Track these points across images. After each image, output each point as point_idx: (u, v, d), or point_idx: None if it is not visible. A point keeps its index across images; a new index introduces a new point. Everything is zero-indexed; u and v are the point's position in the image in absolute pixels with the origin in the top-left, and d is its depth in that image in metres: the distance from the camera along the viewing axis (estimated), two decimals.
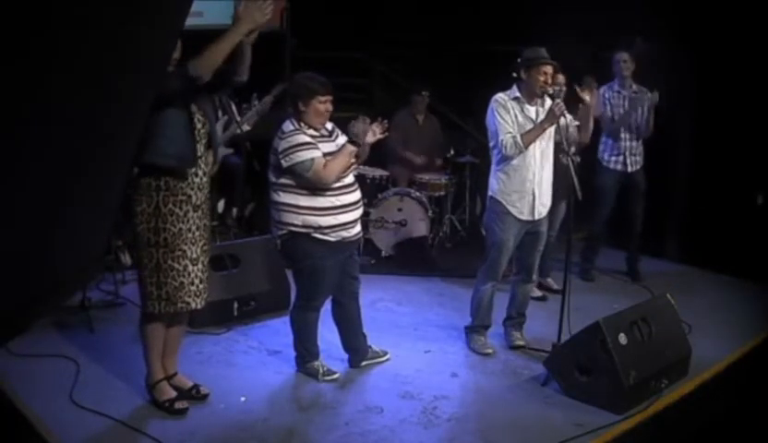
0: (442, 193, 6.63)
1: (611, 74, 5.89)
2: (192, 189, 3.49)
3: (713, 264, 6.08)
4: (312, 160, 3.78)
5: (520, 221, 4.39)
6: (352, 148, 3.90)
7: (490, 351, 4.56)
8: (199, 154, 3.49)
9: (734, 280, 5.91)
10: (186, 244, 3.50)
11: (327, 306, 4.20)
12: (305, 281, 4.02)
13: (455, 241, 6.80)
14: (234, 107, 5.85)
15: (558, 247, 5.44)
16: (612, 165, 5.88)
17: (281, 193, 3.88)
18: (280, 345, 4.47)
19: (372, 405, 3.86)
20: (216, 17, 7.03)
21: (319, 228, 3.86)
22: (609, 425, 3.67)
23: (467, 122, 7.56)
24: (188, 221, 3.50)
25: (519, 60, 4.39)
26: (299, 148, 3.80)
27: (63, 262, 2.29)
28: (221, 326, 4.70)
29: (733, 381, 4.33)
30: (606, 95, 5.85)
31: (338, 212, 3.90)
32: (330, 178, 3.83)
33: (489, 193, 4.50)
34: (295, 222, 3.86)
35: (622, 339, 3.81)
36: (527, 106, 4.38)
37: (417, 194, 6.42)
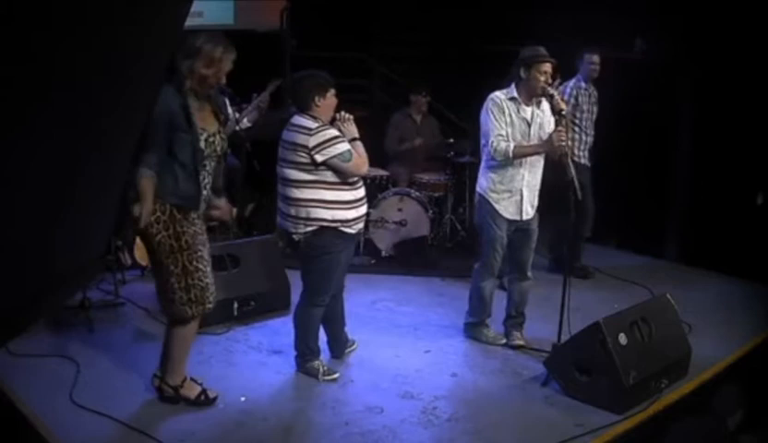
0: (442, 193, 6.63)
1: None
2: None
3: (713, 264, 6.08)
4: (349, 151, 3.88)
5: (507, 219, 4.45)
6: (359, 143, 4.00)
7: (504, 341, 4.63)
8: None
9: (734, 280, 5.91)
10: (202, 245, 3.57)
11: None
12: (319, 277, 4.02)
13: (455, 241, 6.80)
14: (228, 105, 5.85)
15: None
16: (584, 160, 5.91)
17: (305, 189, 3.88)
18: (280, 345, 4.47)
19: (372, 405, 3.86)
20: (216, 17, 7.03)
21: (346, 221, 3.93)
22: (609, 425, 3.67)
23: (467, 122, 7.56)
24: (195, 224, 3.56)
25: (518, 59, 4.40)
26: (334, 141, 3.86)
27: (63, 262, 2.29)
28: (221, 326, 4.70)
29: (733, 381, 4.33)
30: (574, 92, 5.83)
31: (358, 205, 4.00)
32: (364, 169, 3.96)
33: (479, 190, 4.53)
34: (326, 217, 3.89)
35: (622, 339, 3.81)
36: (523, 107, 4.40)
37: (417, 194, 6.42)
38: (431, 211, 6.43)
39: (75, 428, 3.46)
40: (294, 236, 3.96)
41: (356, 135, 4.02)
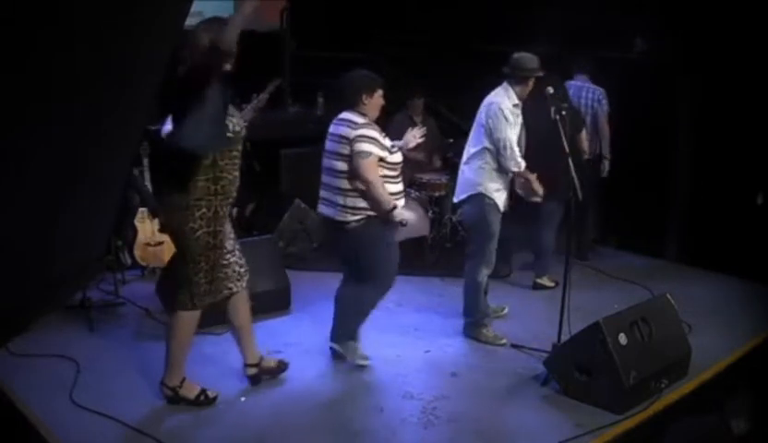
0: (442, 193, 6.61)
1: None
2: (234, 190, 3.68)
3: (713, 264, 6.07)
4: (369, 153, 4.00)
5: (501, 212, 4.64)
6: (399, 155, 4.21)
7: (504, 341, 4.66)
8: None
9: (734, 280, 5.90)
10: (227, 240, 3.71)
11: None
12: (378, 265, 4.19)
13: (455, 241, 6.78)
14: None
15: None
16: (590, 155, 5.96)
17: (352, 180, 4.04)
18: (280, 345, 4.46)
19: (372, 405, 3.86)
20: None
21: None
22: (609, 425, 3.67)
23: (467, 122, 7.55)
24: (227, 219, 3.71)
25: (523, 67, 4.52)
26: (368, 140, 4.01)
27: (63, 262, 2.29)
28: (221, 326, 4.68)
29: (736, 383, 4.33)
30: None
31: (397, 198, 4.16)
32: (371, 179, 3.99)
33: (479, 190, 4.59)
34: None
35: (622, 339, 3.81)
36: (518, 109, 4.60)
37: (417, 194, 6.41)
38: (431, 211, 6.42)
39: (75, 428, 3.46)
40: (348, 225, 4.07)
41: (409, 146, 4.30)
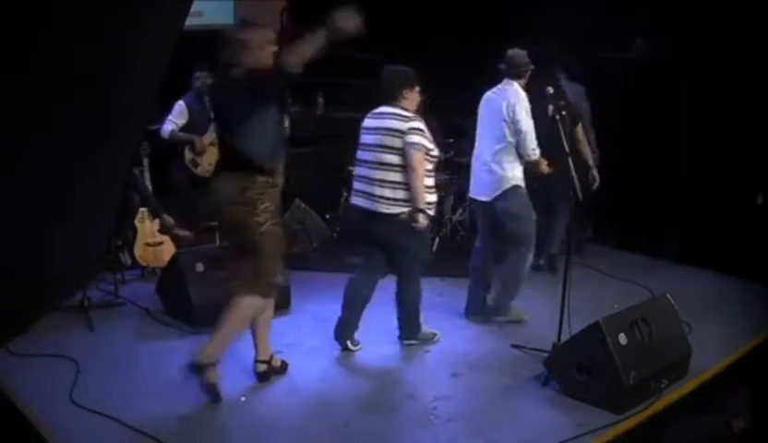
0: (442, 193, 6.61)
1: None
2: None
3: (713, 264, 6.07)
4: (423, 146, 4.14)
5: None
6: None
7: (528, 316, 4.93)
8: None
9: (734, 279, 5.90)
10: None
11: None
12: (418, 254, 4.34)
13: (455, 241, 6.79)
14: None
15: None
16: None
17: (401, 173, 4.15)
18: (280, 345, 4.45)
19: (372, 405, 3.86)
20: (215, 16, 7.03)
21: (428, 204, 4.22)
22: (609, 425, 3.67)
23: (467, 121, 7.55)
24: None
25: (521, 62, 4.65)
26: (420, 132, 4.16)
27: (63, 262, 2.29)
28: None
29: (733, 381, 4.33)
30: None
31: (434, 191, 4.31)
32: (420, 170, 4.11)
33: (513, 182, 4.69)
34: None
35: (622, 339, 3.81)
36: None
37: None
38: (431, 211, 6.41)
39: (75, 428, 3.46)
40: (396, 217, 4.15)
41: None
